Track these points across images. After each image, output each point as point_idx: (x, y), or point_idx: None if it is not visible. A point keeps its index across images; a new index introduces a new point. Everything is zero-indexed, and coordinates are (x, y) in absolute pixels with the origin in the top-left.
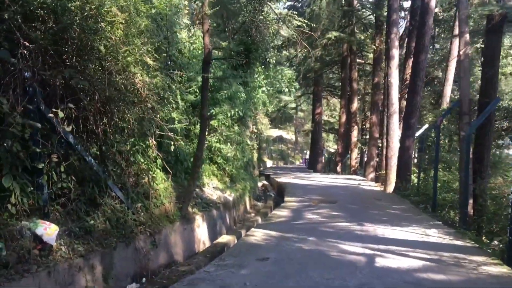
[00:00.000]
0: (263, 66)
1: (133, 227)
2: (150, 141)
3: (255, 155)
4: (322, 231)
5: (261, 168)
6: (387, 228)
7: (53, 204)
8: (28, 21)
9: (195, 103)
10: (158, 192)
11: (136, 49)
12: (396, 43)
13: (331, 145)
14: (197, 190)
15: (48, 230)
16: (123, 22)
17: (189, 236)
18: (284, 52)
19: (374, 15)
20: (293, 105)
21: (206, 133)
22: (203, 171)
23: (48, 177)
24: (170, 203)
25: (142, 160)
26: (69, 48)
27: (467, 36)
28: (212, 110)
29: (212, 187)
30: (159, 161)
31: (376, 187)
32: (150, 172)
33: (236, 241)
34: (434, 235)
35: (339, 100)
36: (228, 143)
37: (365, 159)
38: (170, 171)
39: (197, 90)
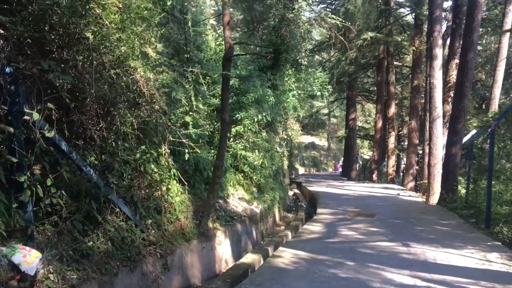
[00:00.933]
0: (293, 69)
1: (141, 247)
2: (163, 148)
3: (286, 163)
4: (361, 252)
5: (293, 176)
6: (439, 251)
7: (44, 223)
8: None
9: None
10: (173, 206)
11: (136, 39)
12: (440, 41)
13: (365, 152)
14: (221, 202)
15: (28, 258)
16: (120, 6)
17: (209, 256)
18: (317, 56)
19: (413, 14)
20: (326, 111)
21: (231, 139)
22: (227, 181)
23: (32, 192)
24: (187, 218)
25: (156, 170)
26: (53, 36)
27: None
28: (238, 115)
29: (238, 198)
30: (173, 171)
31: (417, 197)
32: (163, 183)
33: (261, 261)
34: (496, 261)
35: (375, 105)
36: (256, 150)
37: (402, 167)
38: (186, 183)
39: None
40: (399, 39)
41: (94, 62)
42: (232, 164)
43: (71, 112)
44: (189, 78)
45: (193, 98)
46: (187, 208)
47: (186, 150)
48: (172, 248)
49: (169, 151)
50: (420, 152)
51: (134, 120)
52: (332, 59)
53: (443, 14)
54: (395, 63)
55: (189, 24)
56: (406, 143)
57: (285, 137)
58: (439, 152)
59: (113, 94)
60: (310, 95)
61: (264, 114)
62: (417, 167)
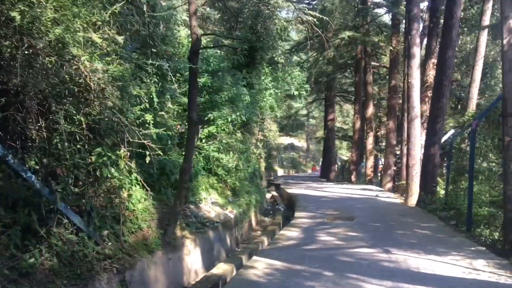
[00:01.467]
0: (270, 67)
1: (94, 262)
2: (122, 150)
3: (263, 165)
4: (340, 261)
5: (272, 177)
6: (421, 258)
7: None
8: None
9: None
10: (135, 214)
11: (77, 21)
12: (417, 40)
13: (344, 153)
14: (192, 207)
15: None
16: None
17: (176, 267)
18: (295, 57)
19: (390, 13)
20: (305, 112)
21: (203, 140)
22: (199, 185)
23: None
24: (150, 228)
25: (115, 175)
26: None
27: None
28: (210, 114)
29: (211, 203)
30: (135, 175)
31: (396, 199)
32: (124, 189)
33: (234, 271)
34: (484, 269)
35: (353, 105)
36: (230, 152)
37: (380, 167)
38: (148, 188)
39: None
40: (376, 40)
41: (23, 48)
42: (204, 167)
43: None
44: (151, 72)
45: (154, 94)
46: (152, 216)
47: (148, 152)
48: (132, 261)
49: (129, 153)
50: (398, 152)
51: (82, 119)
52: (310, 59)
53: (420, 14)
54: (372, 63)
55: (145, 8)
56: (384, 143)
57: (262, 138)
58: (417, 152)
59: (50, 87)
60: (287, 95)
61: (238, 113)
62: (395, 168)
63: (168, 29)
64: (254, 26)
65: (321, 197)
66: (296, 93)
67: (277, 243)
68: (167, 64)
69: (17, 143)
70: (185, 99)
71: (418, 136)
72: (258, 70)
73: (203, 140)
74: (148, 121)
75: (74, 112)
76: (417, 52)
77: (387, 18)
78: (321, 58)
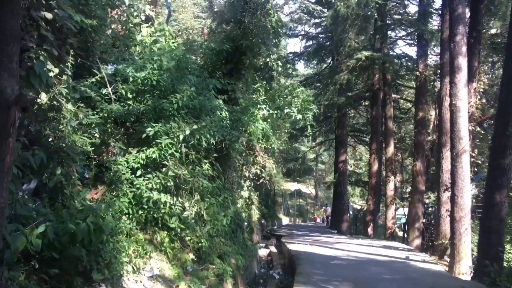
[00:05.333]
0: (264, 82)
1: None
2: None
3: (255, 213)
4: None
5: (275, 227)
6: None
7: None
8: None
9: (123, 116)
10: None
11: None
12: (464, 48)
13: (356, 201)
14: None
15: None
16: None
17: None
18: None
19: (416, 33)
20: (313, 155)
21: (138, 172)
22: (121, 247)
23: None
24: None
25: None
26: None
27: None
28: (149, 129)
29: (148, 277)
30: None
31: (435, 263)
32: None
33: None
34: None
35: (368, 146)
36: (197, 194)
37: (395, 218)
38: None
39: (131, 96)
40: (397, 67)
41: None
42: (147, 216)
43: None
44: None
45: None
46: None
47: None
48: None
49: None
50: (427, 201)
51: None
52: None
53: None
54: (393, 95)
55: None
56: (405, 190)
57: (251, 176)
58: (467, 201)
59: None
60: (291, 132)
61: (195, 127)
62: (424, 220)
63: None
64: (241, 18)
65: (331, 258)
66: (299, 116)
67: None
68: None
69: None
70: (112, 105)
71: (468, 177)
72: (245, 80)
73: (138, 172)
74: None
75: None
76: (464, 64)
77: (409, 51)
78: (332, 83)
